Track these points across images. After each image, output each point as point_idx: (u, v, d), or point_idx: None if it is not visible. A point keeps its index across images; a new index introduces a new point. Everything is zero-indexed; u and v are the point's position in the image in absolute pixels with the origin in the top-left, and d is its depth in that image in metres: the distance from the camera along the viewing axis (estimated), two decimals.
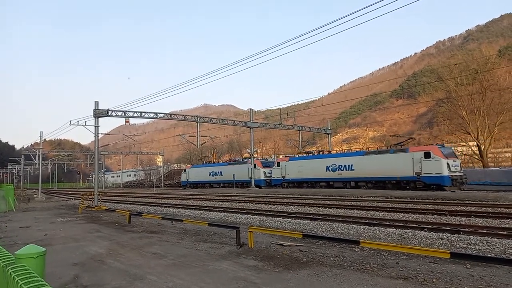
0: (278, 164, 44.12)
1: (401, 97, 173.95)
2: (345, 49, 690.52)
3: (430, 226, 11.18)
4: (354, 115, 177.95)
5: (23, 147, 76.62)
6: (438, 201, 20.01)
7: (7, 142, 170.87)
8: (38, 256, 1.46)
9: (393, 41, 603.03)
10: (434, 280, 5.85)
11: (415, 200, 21.11)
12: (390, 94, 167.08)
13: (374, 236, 10.15)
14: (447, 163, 28.51)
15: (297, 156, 46.81)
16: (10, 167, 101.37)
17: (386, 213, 15.62)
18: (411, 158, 30.43)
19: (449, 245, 8.75)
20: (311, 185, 40.18)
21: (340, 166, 37.23)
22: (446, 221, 12.80)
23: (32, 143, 76.19)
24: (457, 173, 29.04)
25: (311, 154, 45.36)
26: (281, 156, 54.02)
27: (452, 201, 19.37)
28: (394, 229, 10.92)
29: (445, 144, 34.25)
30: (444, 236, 9.56)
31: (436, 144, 32.12)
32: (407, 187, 30.78)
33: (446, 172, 28.27)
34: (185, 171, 64.76)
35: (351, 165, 36.11)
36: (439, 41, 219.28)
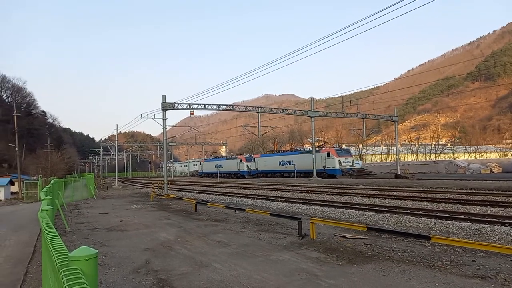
0: (254, 159, 59.73)
1: (477, 79, 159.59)
2: (413, 31, 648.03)
3: None
4: (424, 101, 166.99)
5: (101, 139, 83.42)
6: None
7: (88, 135, 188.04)
8: (89, 258, 1.52)
9: (468, 19, 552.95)
10: None
11: (494, 192, 19.34)
12: (465, 76, 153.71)
13: (446, 231, 9.48)
14: (339, 160, 43.13)
15: (264, 153, 64.63)
16: (91, 157, 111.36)
17: (461, 205, 14.48)
18: (321, 156, 44.68)
19: None
20: (271, 176, 53.21)
21: (286, 162, 51.60)
22: None
23: (109, 136, 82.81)
24: (347, 167, 43.47)
25: (273, 152, 62.37)
26: (257, 152, 74.45)
27: None
28: (470, 224, 10.09)
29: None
30: None
31: (334, 147, 49.69)
32: (321, 176, 43.76)
33: (337, 166, 42.92)
34: (200, 164, 78.80)
35: (292, 161, 49.99)
36: None
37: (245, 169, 59.60)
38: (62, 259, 1.55)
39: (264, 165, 56.32)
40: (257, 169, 57.74)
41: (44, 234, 2.64)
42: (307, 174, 45.39)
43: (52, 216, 7.65)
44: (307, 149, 51.50)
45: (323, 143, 54.61)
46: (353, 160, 45.05)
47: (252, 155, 64.25)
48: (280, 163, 52.96)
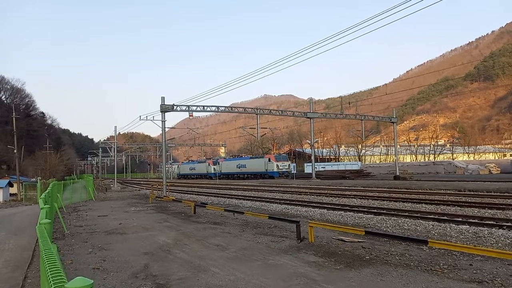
0: (219, 163, 68.47)
1: (476, 80, 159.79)
2: (412, 32, 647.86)
3: (510, 224, 10.18)
4: (423, 101, 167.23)
5: (100, 140, 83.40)
6: None
7: (87, 136, 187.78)
8: None
9: (467, 19, 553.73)
10: None
11: (492, 193, 19.39)
12: (464, 77, 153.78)
13: (444, 234, 9.51)
14: (277, 165, 53.37)
15: (227, 158, 74.37)
16: (90, 158, 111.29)
17: (459, 208, 14.52)
18: (264, 161, 55.53)
19: None
20: (231, 177, 62.49)
21: (241, 165, 61.23)
22: None
23: (108, 137, 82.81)
24: (283, 170, 53.48)
25: (233, 157, 73.61)
26: (235, 154, 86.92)
27: None
28: (468, 226, 10.13)
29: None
30: None
31: (274, 154, 60.75)
32: (265, 176, 54.25)
33: (275, 169, 53.18)
34: (178, 166, 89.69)
35: (245, 164, 60.42)
36: None
37: (212, 171, 68.18)
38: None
39: (226, 168, 65.30)
40: (220, 171, 66.33)
41: (42, 257, 2.65)
42: (256, 175, 56.41)
43: (50, 229, 7.67)
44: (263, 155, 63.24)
45: (267, 150, 72.51)
46: (289, 164, 55.40)
47: (218, 159, 72.97)
48: (237, 166, 62.41)
